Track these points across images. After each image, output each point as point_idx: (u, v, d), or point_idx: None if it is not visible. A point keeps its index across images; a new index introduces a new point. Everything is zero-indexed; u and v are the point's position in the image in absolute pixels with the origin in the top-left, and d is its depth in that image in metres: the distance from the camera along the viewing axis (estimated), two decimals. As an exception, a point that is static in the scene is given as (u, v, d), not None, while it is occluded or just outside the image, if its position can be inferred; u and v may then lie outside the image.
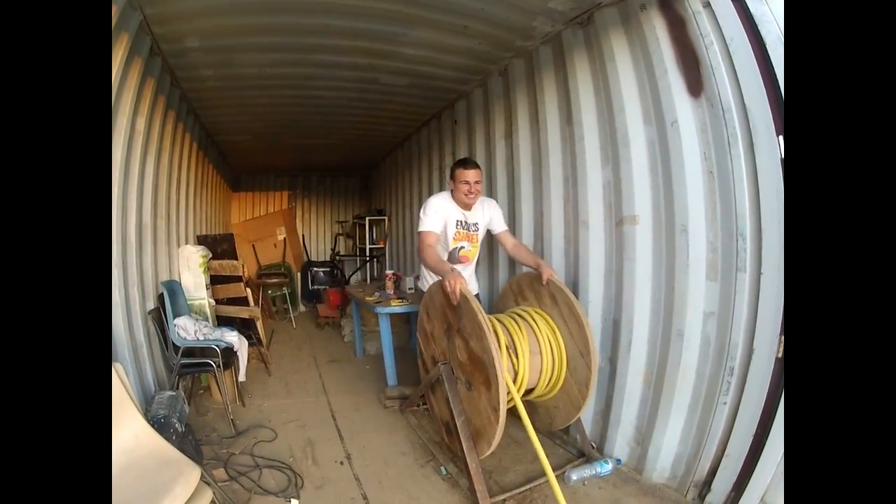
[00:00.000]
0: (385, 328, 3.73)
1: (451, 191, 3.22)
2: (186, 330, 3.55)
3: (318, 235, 10.24)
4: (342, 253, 9.39)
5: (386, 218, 8.02)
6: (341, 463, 2.80)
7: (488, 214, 3.33)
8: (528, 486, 2.54)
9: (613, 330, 2.87)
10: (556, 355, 2.72)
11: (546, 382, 2.74)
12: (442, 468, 2.71)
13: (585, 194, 3.01)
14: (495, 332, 2.46)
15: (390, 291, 4.24)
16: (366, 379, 4.38)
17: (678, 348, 2.44)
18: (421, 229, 3.11)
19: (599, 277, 2.97)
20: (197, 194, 5.48)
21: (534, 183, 3.61)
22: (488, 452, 2.35)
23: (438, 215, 3.13)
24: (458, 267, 2.93)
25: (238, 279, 5.28)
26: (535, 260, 3.03)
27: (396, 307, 3.75)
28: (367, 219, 8.14)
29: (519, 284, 3.16)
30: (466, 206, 3.21)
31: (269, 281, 7.33)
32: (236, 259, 5.47)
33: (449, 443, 2.78)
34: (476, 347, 2.33)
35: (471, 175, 3.10)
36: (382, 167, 8.51)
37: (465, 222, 3.26)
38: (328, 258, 9.22)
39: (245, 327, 4.78)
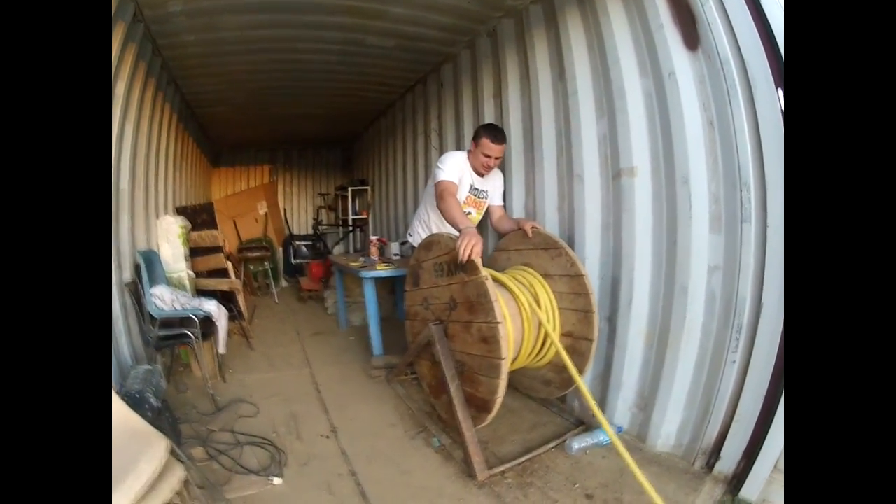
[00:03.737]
0: (370, 294, 3.56)
1: (469, 152, 3.12)
2: (163, 300, 3.34)
3: (300, 209, 9.99)
4: (324, 223, 9.18)
5: (369, 188, 7.79)
6: (327, 437, 2.64)
7: (496, 184, 3.30)
8: (527, 457, 2.40)
9: (612, 288, 2.73)
10: (553, 316, 2.59)
11: (539, 347, 2.60)
12: (434, 439, 2.57)
13: (580, 148, 2.87)
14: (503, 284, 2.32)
15: (375, 257, 4.07)
16: (351, 350, 4.22)
17: (682, 304, 2.32)
18: (441, 178, 2.95)
19: (596, 233, 2.83)
20: (177, 167, 5.26)
21: (524, 139, 3.45)
22: (487, 421, 2.20)
23: (455, 172, 3.00)
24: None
25: (218, 250, 5.07)
26: (514, 222, 3.01)
27: (382, 271, 3.58)
28: (350, 189, 7.92)
29: (507, 246, 3.03)
30: (480, 173, 3.14)
31: (249, 255, 7.10)
32: (216, 229, 5.24)
33: (441, 412, 2.64)
34: (475, 298, 2.16)
35: (496, 151, 3.04)
36: (365, 138, 8.26)
37: (477, 189, 3.18)
38: (310, 231, 8.99)
39: (226, 300, 4.59)
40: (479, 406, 2.22)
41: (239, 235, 7.69)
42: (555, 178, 3.14)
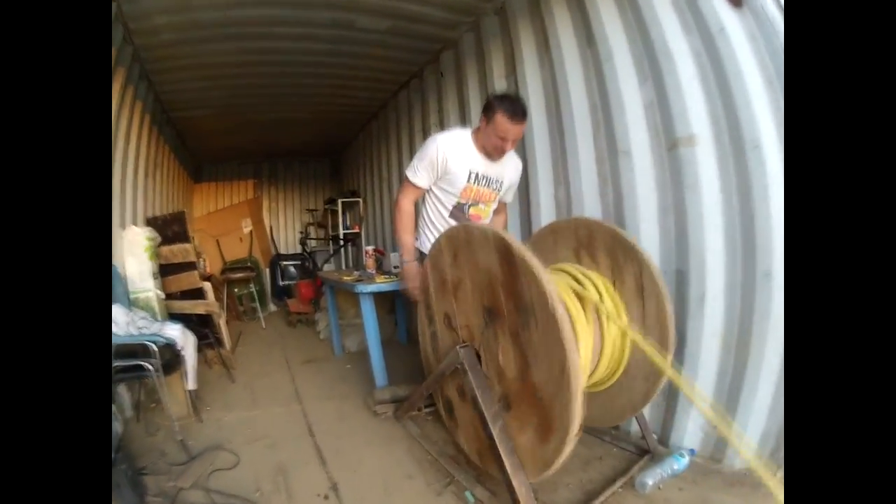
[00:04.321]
0: (369, 313, 2.94)
1: (476, 130, 2.49)
2: (117, 322, 2.73)
3: (286, 227, 9.44)
4: (313, 237, 8.62)
5: (360, 200, 7.22)
6: (325, 498, 2.00)
7: (511, 174, 2.69)
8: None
9: (678, 284, 2.23)
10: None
11: (606, 368, 2.03)
12: (467, 494, 1.95)
13: (623, 119, 2.45)
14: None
15: (371, 270, 3.48)
16: (348, 380, 3.59)
17: (766, 294, 1.92)
18: (408, 177, 2.48)
19: (652, 218, 2.36)
20: (149, 174, 4.65)
21: (549, 120, 2.97)
22: (550, 472, 1.58)
23: (436, 163, 2.45)
24: None
25: (191, 266, 4.46)
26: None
27: (382, 284, 2.98)
28: (340, 201, 7.34)
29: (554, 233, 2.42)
30: (490, 157, 2.49)
31: (233, 276, 6.55)
32: (188, 242, 4.63)
33: (474, 458, 2.05)
34: (529, 302, 1.55)
35: (514, 132, 2.35)
36: (354, 146, 7.73)
37: (486, 176, 2.54)
38: (298, 250, 8.44)
39: (203, 325, 4.00)
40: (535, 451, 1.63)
41: (223, 256, 7.22)
42: (592, 159, 2.67)
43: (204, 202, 8.51)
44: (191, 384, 2.96)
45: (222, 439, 2.61)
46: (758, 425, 2.00)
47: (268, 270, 7.64)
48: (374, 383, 2.96)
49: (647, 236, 2.32)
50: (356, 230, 7.22)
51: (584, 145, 2.68)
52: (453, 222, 2.51)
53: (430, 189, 2.57)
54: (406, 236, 2.52)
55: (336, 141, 7.91)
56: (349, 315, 4.52)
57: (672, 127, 2.22)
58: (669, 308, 1.94)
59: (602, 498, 1.88)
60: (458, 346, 1.89)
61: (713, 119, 2.11)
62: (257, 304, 6.49)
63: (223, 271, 6.71)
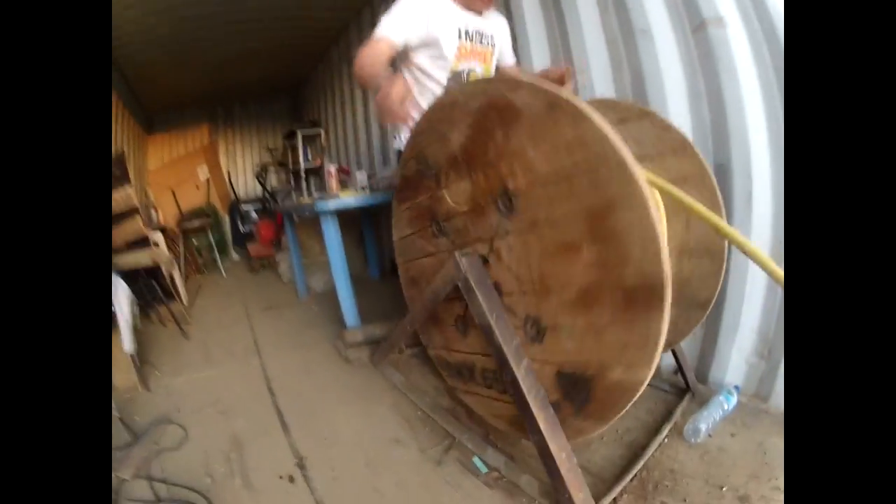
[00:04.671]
0: (333, 238, 2.39)
1: None
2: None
3: (246, 171, 8.73)
4: (269, 175, 7.88)
5: (321, 130, 6.50)
6: (291, 479, 1.52)
7: (501, 31, 2.14)
8: (640, 464, 1.42)
9: (719, 180, 1.72)
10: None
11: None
12: (476, 460, 1.50)
13: None
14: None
15: (336, 193, 2.94)
16: (315, 325, 3.08)
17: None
18: (375, 33, 1.82)
19: (682, 103, 1.91)
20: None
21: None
22: (607, 426, 1.11)
23: (418, 16, 1.85)
24: None
25: (134, 213, 3.85)
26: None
27: (347, 198, 2.42)
28: (300, 133, 6.58)
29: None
30: (474, 7, 1.97)
31: (189, 226, 5.96)
32: (129, 184, 4.00)
33: (481, 411, 1.58)
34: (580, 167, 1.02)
35: None
36: (314, 79, 6.99)
37: (477, 31, 2.01)
38: (259, 193, 7.74)
39: (152, 278, 3.46)
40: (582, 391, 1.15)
41: (179, 207, 6.63)
42: (602, 41, 2.19)
43: (159, 154, 7.79)
44: (127, 345, 2.42)
45: (171, 408, 2.13)
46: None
47: (228, 218, 7.09)
48: (345, 324, 2.46)
49: (679, 125, 1.83)
50: (318, 164, 6.53)
51: (591, 24, 2.21)
52: None
53: (413, 64, 1.98)
54: (376, 69, 1.78)
55: (294, 75, 7.25)
56: (313, 252, 3.99)
57: (696, 7, 1.80)
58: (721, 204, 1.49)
59: (649, 452, 1.46)
60: (456, 254, 1.36)
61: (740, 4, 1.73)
62: (217, 255, 5.97)
63: (179, 222, 6.10)
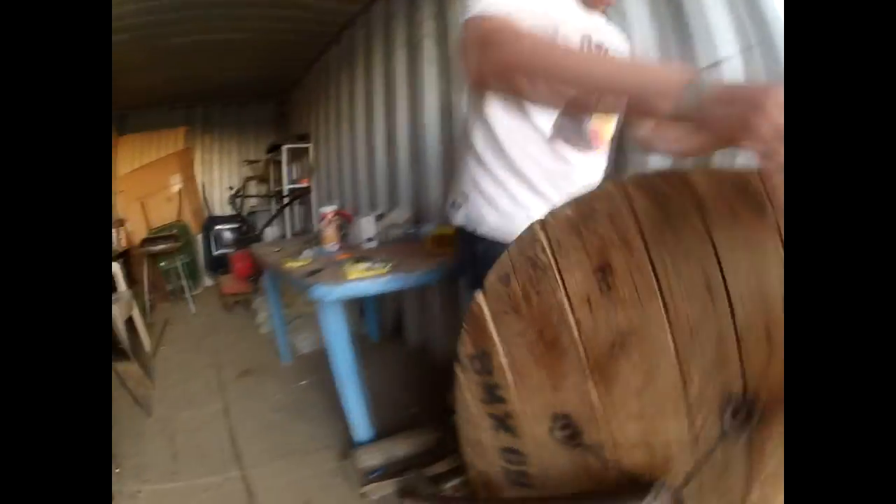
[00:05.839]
0: (337, 331, 1.78)
1: None
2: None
3: (222, 184, 7.87)
4: (252, 193, 7.25)
5: (311, 146, 5.80)
6: None
7: (620, 46, 1.33)
8: None
9: None
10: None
11: None
12: None
13: None
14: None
15: (333, 247, 2.35)
16: (307, 413, 2.46)
17: None
18: (480, 11, 0.97)
19: None
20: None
21: None
22: None
23: (531, 4, 1.03)
24: (580, 158, 1.23)
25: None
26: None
27: (361, 281, 1.74)
28: (285, 148, 5.94)
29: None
30: (598, 7, 1.23)
31: (153, 249, 5.30)
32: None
33: None
34: None
35: None
36: (306, 83, 6.21)
37: (600, 43, 1.22)
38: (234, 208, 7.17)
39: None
40: None
41: (148, 221, 6.13)
42: None
43: (129, 157, 7.07)
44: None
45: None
46: None
47: (200, 237, 6.42)
48: (353, 436, 1.88)
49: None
50: (305, 184, 5.87)
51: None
52: (554, 163, 1.21)
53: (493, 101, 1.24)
54: (579, 59, 0.92)
55: (283, 77, 6.54)
56: (296, 303, 3.40)
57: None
58: None
59: None
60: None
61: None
62: (185, 282, 5.34)
63: (142, 243, 5.46)
